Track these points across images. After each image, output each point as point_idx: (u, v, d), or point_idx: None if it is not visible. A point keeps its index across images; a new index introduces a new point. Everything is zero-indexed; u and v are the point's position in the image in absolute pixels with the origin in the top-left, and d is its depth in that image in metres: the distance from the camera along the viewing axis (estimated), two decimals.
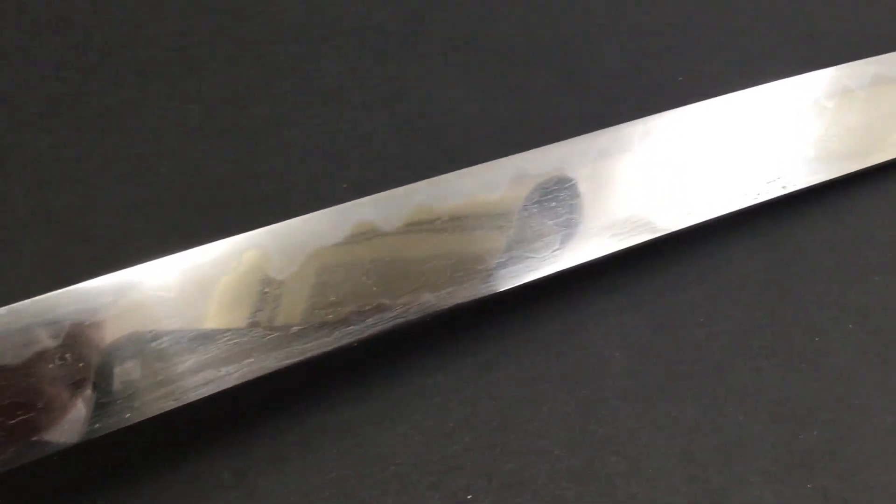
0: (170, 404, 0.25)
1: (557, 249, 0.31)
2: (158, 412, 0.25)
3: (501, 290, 0.30)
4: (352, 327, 0.28)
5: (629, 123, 0.33)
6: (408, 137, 0.39)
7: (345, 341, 0.28)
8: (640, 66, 0.42)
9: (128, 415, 0.25)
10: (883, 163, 0.37)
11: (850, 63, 0.39)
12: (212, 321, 0.26)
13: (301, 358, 0.27)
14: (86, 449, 0.25)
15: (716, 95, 0.37)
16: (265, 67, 0.41)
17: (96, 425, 0.25)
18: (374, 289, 0.28)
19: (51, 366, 0.24)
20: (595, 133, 0.33)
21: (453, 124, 0.39)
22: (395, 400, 0.31)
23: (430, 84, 0.41)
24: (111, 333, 0.25)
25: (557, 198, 0.31)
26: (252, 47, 0.42)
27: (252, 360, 0.27)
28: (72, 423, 0.24)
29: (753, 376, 0.32)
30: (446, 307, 0.29)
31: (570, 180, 0.32)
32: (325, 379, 0.31)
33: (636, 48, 0.43)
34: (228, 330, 0.26)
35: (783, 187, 0.35)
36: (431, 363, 0.32)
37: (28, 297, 0.24)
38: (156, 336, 0.25)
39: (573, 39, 0.43)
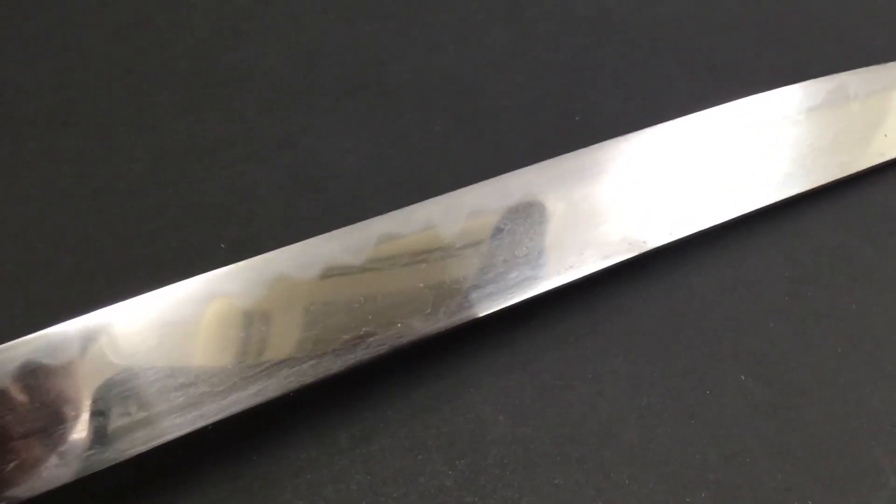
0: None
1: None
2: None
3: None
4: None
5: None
6: (293, 190, 0.37)
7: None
8: (536, 107, 0.41)
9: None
10: (780, 200, 0.36)
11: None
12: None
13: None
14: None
15: (614, 133, 0.36)
16: (145, 121, 0.39)
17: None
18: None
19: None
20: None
21: (341, 175, 0.38)
22: (265, 478, 0.29)
23: (318, 133, 0.39)
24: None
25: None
26: (131, 100, 0.40)
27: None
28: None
29: (641, 436, 0.31)
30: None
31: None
32: (193, 460, 0.29)
33: (532, 88, 0.42)
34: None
35: (670, 234, 0.33)
36: (304, 437, 0.30)
37: None
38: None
39: (467, 82, 0.42)
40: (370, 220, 0.30)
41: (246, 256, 0.28)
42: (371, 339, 0.29)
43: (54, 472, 0.25)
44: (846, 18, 0.46)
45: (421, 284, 0.30)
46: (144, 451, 0.25)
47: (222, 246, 0.35)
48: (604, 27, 0.45)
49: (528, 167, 0.33)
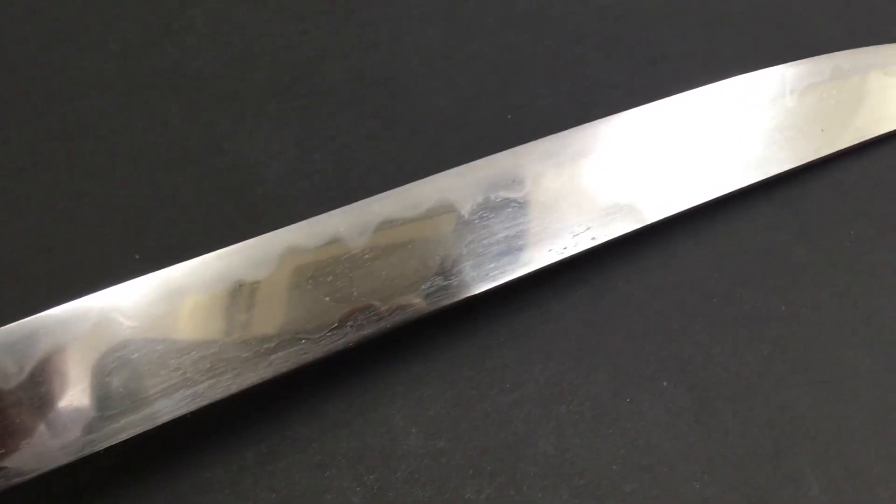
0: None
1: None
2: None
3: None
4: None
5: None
6: (215, 197, 0.36)
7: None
8: (469, 106, 0.40)
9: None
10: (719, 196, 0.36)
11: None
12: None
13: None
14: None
15: (548, 130, 0.35)
16: (64, 127, 0.38)
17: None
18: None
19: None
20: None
21: (265, 180, 0.37)
22: (168, 499, 0.28)
23: (244, 137, 0.38)
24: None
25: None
26: (52, 104, 0.39)
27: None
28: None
29: (557, 446, 0.30)
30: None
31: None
32: (95, 482, 0.29)
33: (466, 86, 0.41)
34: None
35: (593, 238, 0.33)
36: (210, 455, 0.29)
37: None
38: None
39: (400, 81, 0.41)
40: (275, 231, 0.29)
41: (159, 268, 0.28)
42: (274, 356, 0.28)
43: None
44: (789, 9, 0.45)
45: (327, 298, 0.29)
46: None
47: (137, 257, 0.34)
48: (544, 21, 0.44)
49: (442, 173, 0.32)
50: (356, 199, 0.31)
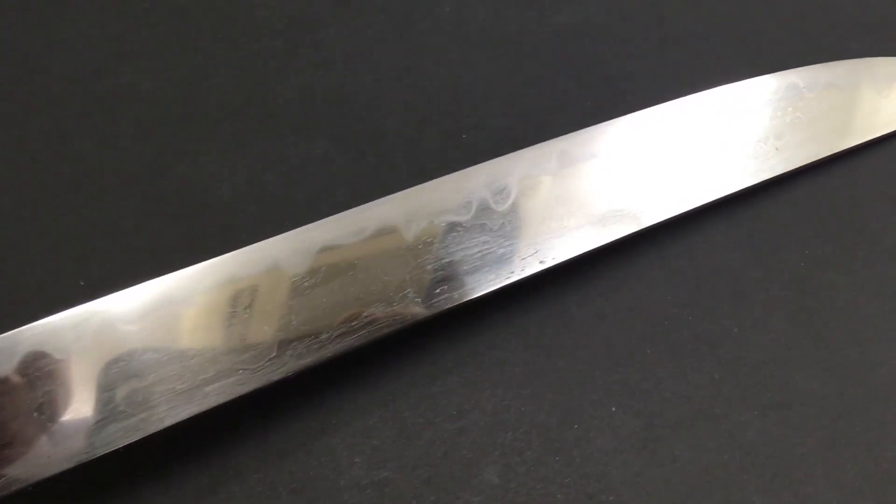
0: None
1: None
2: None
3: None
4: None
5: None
6: (161, 222, 0.36)
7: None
8: (423, 125, 0.40)
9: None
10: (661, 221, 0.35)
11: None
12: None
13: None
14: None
15: (502, 150, 0.34)
16: (10, 151, 0.37)
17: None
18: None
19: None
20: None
21: (213, 203, 0.36)
22: None
23: (192, 159, 0.38)
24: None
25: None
26: None
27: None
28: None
29: (502, 475, 0.29)
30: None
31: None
32: None
33: (420, 106, 0.40)
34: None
35: (541, 263, 0.32)
36: (149, 487, 0.29)
37: None
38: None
39: (353, 101, 0.41)
40: (213, 260, 0.29)
41: (103, 294, 0.27)
42: (210, 387, 0.28)
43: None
44: (746, 25, 0.44)
45: (265, 327, 0.29)
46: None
47: (81, 283, 0.34)
48: (499, 40, 0.44)
49: (385, 198, 0.31)
50: (306, 222, 0.31)
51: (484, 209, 0.32)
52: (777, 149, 0.38)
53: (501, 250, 0.32)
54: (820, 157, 0.39)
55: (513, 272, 0.32)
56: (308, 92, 0.41)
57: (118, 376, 0.27)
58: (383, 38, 0.44)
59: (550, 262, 0.33)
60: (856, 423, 0.31)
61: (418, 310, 0.31)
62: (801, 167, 0.38)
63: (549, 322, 0.33)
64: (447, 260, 0.31)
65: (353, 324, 0.30)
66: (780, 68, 0.41)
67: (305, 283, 0.29)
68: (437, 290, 0.31)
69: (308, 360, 0.29)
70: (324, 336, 0.29)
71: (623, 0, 0.46)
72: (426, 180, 0.33)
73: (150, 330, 0.28)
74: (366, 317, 0.30)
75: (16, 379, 0.26)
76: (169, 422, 0.27)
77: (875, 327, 0.34)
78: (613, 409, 0.31)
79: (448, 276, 0.31)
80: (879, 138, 0.40)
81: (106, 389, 0.27)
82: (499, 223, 0.32)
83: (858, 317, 0.34)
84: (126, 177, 0.38)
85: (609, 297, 0.34)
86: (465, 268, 0.32)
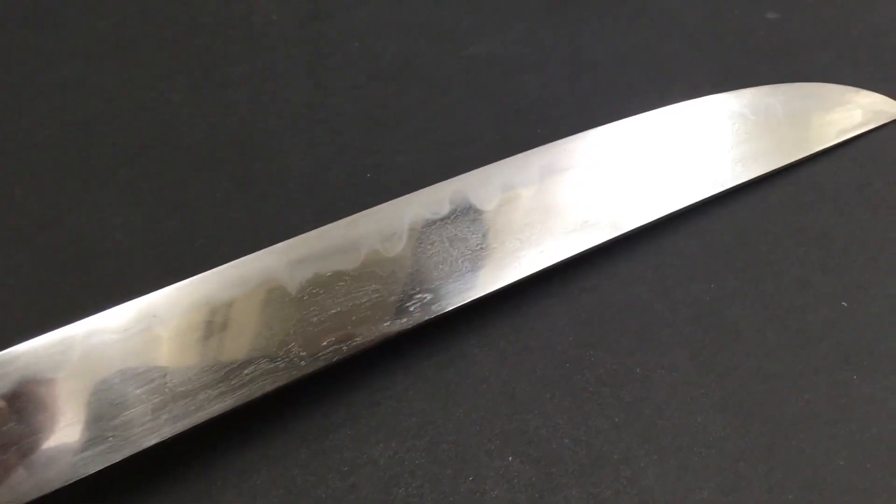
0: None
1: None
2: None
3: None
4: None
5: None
6: (51, 274, 0.35)
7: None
8: (328, 165, 0.39)
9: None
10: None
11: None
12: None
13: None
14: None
15: (407, 188, 0.34)
16: None
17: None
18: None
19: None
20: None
21: (108, 252, 0.35)
22: None
23: (88, 207, 0.37)
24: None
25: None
26: None
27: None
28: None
29: None
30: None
31: None
32: None
33: (326, 144, 0.40)
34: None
35: (434, 308, 0.31)
36: None
37: None
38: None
39: (257, 141, 0.40)
40: (80, 321, 0.28)
41: None
42: (79, 456, 0.26)
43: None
44: (655, 53, 0.44)
45: (138, 391, 0.28)
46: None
47: None
48: (410, 73, 0.43)
49: (268, 248, 0.30)
50: (207, 268, 0.30)
51: (373, 256, 0.31)
52: (694, 177, 0.37)
53: (393, 297, 0.31)
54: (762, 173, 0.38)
55: (406, 319, 0.31)
56: (211, 134, 0.40)
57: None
58: (291, 76, 0.43)
59: (446, 307, 0.32)
60: (758, 465, 0.30)
61: (304, 365, 0.30)
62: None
63: (448, 367, 0.33)
64: (334, 311, 0.30)
65: (233, 382, 0.29)
66: (693, 94, 0.40)
67: (182, 341, 0.28)
68: (325, 343, 0.30)
69: (187, 422, 0.28)
70: (202, 397, 0.28)
71: (537, 29, 0.45)
72: (330, 221, 0.32)
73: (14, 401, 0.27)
74: (248, 374, 0.29)
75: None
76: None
77: (780, 362, 0.33)
78: (510, 458, 0.30)
79: (335, 328, 0.30)
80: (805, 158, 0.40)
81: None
82: (389, 270, 0.31)
83: (763, 352, 0.33)
84: (17, 229, 0.36)
85: (511, 338, 0.34)
86: (354, 318, 0.31)
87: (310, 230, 0.32)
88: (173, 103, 0.41)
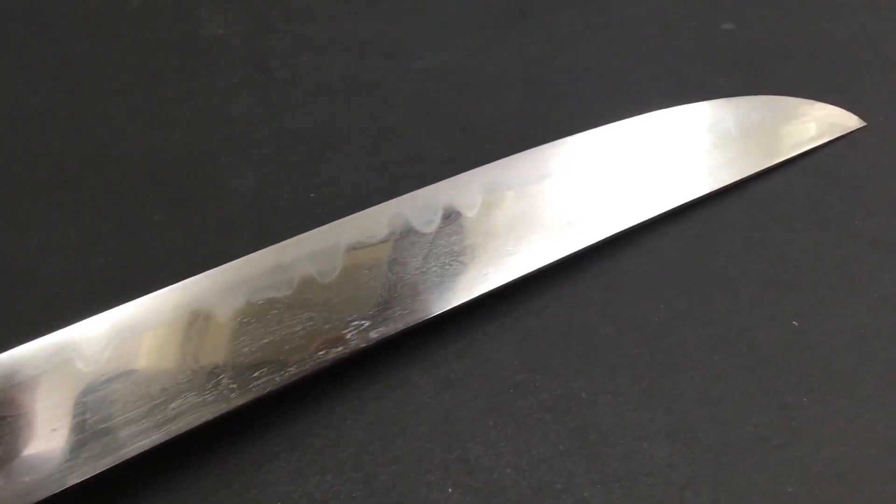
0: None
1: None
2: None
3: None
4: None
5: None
6: None
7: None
8: (270, 184, 0.38)
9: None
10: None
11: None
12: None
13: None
14: None
15: (352, 208, 0.33)
16: None
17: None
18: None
19: None
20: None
21: (39, 280, 0.34)
22: None
23: (16, 235, 0.35)
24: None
25: None
26: None
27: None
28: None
29: None
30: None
31: None
32: None
33: (270, 163, 0.39)
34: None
35: (372, 335, 0.30)
36: None
37: None
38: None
39: (199, 161, 0.38)
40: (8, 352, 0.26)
41: None
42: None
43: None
44: (609, 66, 0.43)
45: (54, 429, 0.26)
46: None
47: None
48: (358, 89, 0.42)
49: (197, 276, 0.29)
50: (139, 296, 0.28)
51: (308, 282, 0.30)
52: (638, 197, 0.36)
53: (328, 325, 0.30)
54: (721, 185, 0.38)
55: (342, 347, 0.30)
56: (151, 154, 0.39)
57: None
58: (236, 92, 0.42)
59: (385, 334, 0.31)
60: (704, 494, 0.29)
61: (235, 397, 0.28)
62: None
63: (388, 394, 0.32)
64: (266, 340, 0.29)
65: (158, 417, 0.27)
66: (648, 108, 0.40)
67: (103, 375, 0.27)
68: (256, 374, 0.29)
69: (106, 461, 0.27)
70: (123, 435, 0.27)
71: (489, 43, 0.45)
72: (270, 243, 0.31)
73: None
74: (174, 408, 0.28)
75: None
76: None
77: (729, 385, 0.32)
78: (450, 489, 0.29)
79: (268, 358, 0.29)
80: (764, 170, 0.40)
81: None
82: (324, 296, 0.30)
83: (712, 375, 0.32)
84: None
85: (454, 364, 0.33)
86: (287, 347, 0.29)
87: (252, 251, 0.31)
88: (112, 122, 0.40)
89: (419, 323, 0.31)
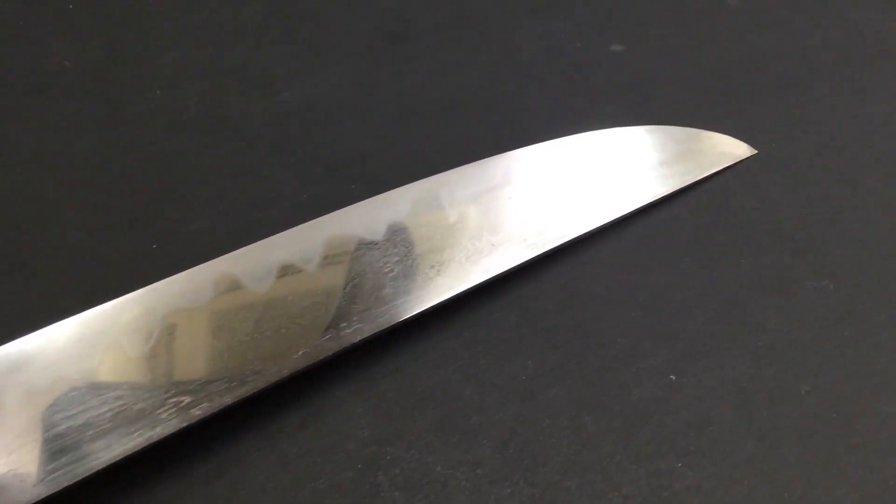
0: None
1: None
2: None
3: None
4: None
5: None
6: None
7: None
8: (106, 237, 0.35)
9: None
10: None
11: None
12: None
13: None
14: None
15: (197, 260, 0.29)
16: None
17: None
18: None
19: None
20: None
21: None
22: None
23: None
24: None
25: None
26: None
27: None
28: None
29: None
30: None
31: None
32: None
33: (109, 211, 0.36)
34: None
35: (197, 411, 0.27)
36: None
37: None
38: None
39: (27, 211, 0.35)
40: None
41: None
42: None
43: None
44: (489, 95, 0.40)
45: None
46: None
47: None
48: (215, 125, 0.38)
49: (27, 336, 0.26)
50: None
51: (116, 358, 0.26)
52: (493, 244, 0.33)
53: (139, 405, 0.27)
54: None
55: (160, 428, 0.27)
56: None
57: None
58: (79, 131, 0.38)
59: (210, 410, 0.27)
60: None
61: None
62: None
63: (220, 476, 0.28)
64: (64, 427, 0.26)
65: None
66: (529, 140, 0.37)
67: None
68: (50, 467, 0.25)
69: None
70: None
71: (359, 73, 0.41)
72: (103, 301, 0.27)
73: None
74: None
75: None
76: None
77: (598, 451, 0.29)
78: None
79: (70, 446, 0.25)
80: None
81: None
82: (143, 369, 0.27)
83: (580, 440, 0.29)
84: None
85: (297, 435, 0.29)
86: (91, 432, 0.26)
87: (83, 311, 0.27)
88: None
89: (253, 394, 0.28)
